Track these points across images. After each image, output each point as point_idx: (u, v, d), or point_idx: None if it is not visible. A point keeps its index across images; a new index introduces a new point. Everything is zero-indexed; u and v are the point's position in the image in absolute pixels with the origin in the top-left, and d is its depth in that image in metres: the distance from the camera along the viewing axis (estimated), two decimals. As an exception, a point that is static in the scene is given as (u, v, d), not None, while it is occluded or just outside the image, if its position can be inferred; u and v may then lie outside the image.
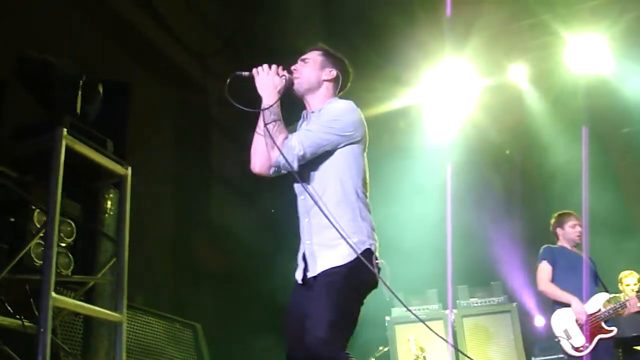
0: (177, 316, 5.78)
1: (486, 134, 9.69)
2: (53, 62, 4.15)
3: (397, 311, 8.01)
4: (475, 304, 8.12)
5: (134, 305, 4.84)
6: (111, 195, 4.48)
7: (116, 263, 4.38)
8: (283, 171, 3.58)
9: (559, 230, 6.53)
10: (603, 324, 6.00)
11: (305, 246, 3.50)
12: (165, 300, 6.52)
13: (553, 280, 6.28)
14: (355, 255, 3.32)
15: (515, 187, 10.05)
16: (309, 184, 3.50)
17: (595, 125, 9.08)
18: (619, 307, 6.07)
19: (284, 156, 3.37)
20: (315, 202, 3.42)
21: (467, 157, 9.56)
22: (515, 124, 9.72)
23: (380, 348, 7.81)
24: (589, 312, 6.04)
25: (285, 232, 3.99)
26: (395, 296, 3.50)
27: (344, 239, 3.32)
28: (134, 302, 4.72)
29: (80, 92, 4.23)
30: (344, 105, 3.56)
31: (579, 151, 8.84)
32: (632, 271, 7.84)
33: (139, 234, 4.60)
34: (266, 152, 3.55)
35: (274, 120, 3.43)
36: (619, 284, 7.90)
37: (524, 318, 8.53)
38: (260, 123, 3.56)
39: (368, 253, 3.39)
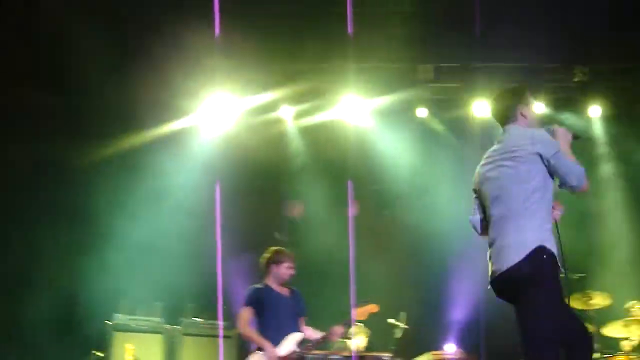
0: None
1: (253, 166, 9.88)
2: None
3: (120, 317, 7.93)
4: (200, 325, 8.22)
5: None
6: None
7: None
8: None
9: (273, 267, 6.62)
10: None
11: None
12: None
13: (257, 321, 6.43)
14: None
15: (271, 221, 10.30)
16: None
17: (354, 179, 9.57)
18: (320, 339, 6.36)
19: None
20: None
21: (234, 183, 9.73)
22: (282, 160, 10.01)
23: (94, 352, 7.72)
24: (282, 354, 6.20)
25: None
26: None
27: None
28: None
29: None
30: None
31: (332, 199, 9.34)
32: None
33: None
34: None
35: None
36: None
37: (246, 345, 8.78)
38: None
39: None
